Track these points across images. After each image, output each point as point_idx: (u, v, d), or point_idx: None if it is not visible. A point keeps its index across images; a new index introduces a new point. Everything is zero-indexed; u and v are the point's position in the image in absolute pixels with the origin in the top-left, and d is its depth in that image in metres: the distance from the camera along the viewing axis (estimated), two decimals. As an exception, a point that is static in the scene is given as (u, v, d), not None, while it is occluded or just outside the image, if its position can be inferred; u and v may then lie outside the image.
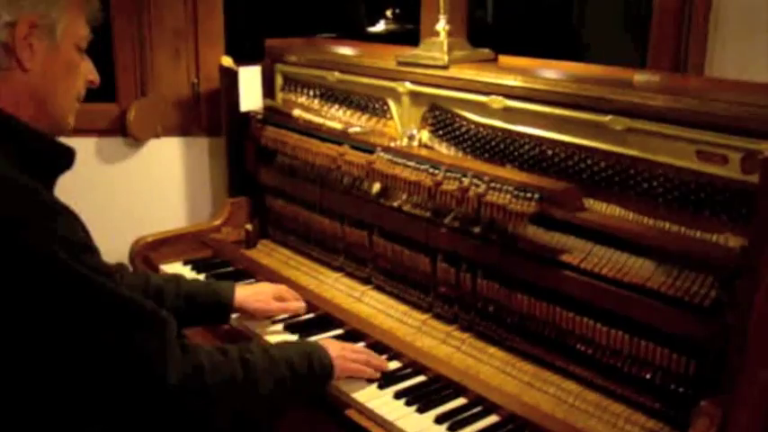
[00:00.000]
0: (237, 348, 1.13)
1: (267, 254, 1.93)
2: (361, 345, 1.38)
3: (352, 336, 1.46)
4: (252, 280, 1.73)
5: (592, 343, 1.26)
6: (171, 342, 1.02)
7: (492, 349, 1.41)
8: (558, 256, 1.29)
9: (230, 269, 1.81)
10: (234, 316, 1.51)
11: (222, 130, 2.02)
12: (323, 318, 1.54)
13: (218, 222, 1.98)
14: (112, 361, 0.96)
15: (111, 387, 0.97)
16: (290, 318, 1.54)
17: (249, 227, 1.99)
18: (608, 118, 1.26)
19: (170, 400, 1.00)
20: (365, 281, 1.69)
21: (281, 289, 1.55)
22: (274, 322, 1.52)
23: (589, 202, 1.29)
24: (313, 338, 1.35)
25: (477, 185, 1.35)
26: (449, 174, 1.41)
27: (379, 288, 1.66)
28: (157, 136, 2.14)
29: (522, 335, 1.38)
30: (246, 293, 1.48)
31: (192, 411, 1.01)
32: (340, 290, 1.70)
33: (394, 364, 1.38)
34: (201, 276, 1.77)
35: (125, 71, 2.06)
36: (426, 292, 1.56)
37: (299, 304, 1.55)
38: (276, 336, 1.47)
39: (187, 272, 1.80)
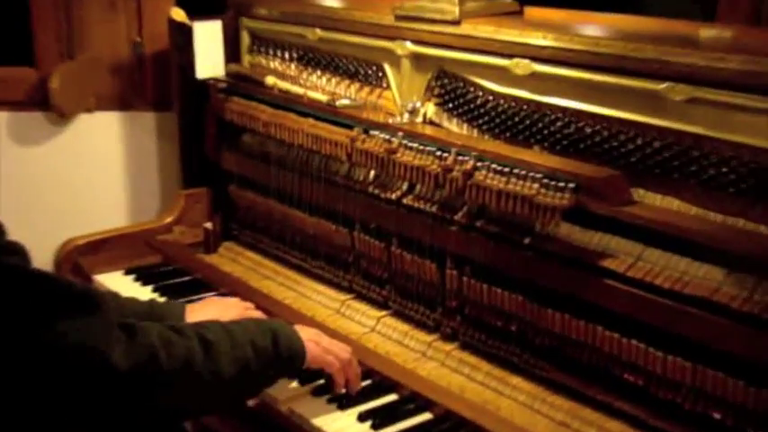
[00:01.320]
0: (192, 325, 1.18)
1: (232, 259, 1.93)
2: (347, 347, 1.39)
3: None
4: (212, 294, 1.73)
5: (643, 372, 1.25)
6: (111, 324, 1.05)
7: (516, 379, 1.41)
8: (599, 262, 1.28)
9: (185, 279, 1.81)
10: None
11: (173, 104, 2.02)
12: None
13: (169, 220, 1.98)
14: (48, 352, 0.99)
15: (56, 381, 1.00)
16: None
17: (209, 225, 1.99)
18: (664, 86, 1.25)
19: (123, 389, 1.04)
20: (355, 293, 1.71)
21: (245, 311, 1.54)
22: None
23: (639, 193, 1.29)
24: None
25: (497, 173, 1.35)
26: (460, 157, 1.41)
27: (373, 302, 1.67)
28: (89, 110, 2.12)
29: (554, 361, 1.37)
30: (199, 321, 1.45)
31: (148, 399, 1.06)
32: (324, 305, 1.71)
33: (391, 397, 1.38)
34: (147, 290, 1.76)
35: (45, 27, 2.00)
36: (432, 306, 1.56)
37: None
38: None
39: (129, 284, 1.80)
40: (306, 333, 1.31)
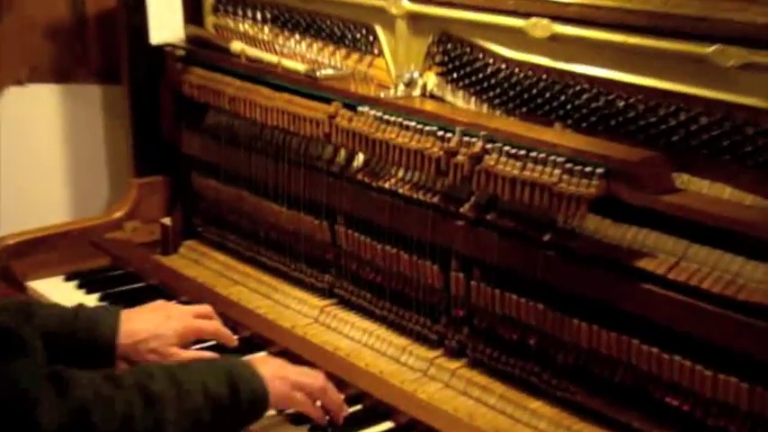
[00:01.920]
0: (133, 373, 1.18)
1: (195, 261, 1.94)
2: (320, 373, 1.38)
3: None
4: (172, 302, 1.70)
5: (688, 394, 1.24)
6: (36, 373, 1.06)
7: (535, 403, 1.40)
8: (634, 263, 1.27)
9: (138, 286, 1.82)
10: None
11: (122, 75, 2.01)
12: (277, 357, 1.52)
13: (118, 215, 1.98)
14: None
15: None
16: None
17: (167, 221, 2.00)
18: (713, 49, 1.24)
19: None
20: (344, 301, 1.71)
21: (198, 318, 1.52)
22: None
23: (682, 179, 1.28)
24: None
25: (510, 156, 1.35)
26: (467, 138, 1.41)
27: (365, 311, 1.67)
28: (20, 83, 2.13)
29: (581, 382, 1.37)
30: (139, 336, 1.43)
31: None
32: (305, 314, 1.71)
33: (386, 425, 1.38)
34: (93, 299, 1.75)
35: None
36: (435, 316, 1.56)
37: (231, 338, 1.55)
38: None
39: (70, 292, 1.79)
40: (268, 368, 1.29)
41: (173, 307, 1.55)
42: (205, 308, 1.55)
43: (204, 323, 1.52)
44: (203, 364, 1.26)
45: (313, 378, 1.35)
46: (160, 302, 1.57)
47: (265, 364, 1.31)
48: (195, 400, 1.18)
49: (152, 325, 1.44)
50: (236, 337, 1.56)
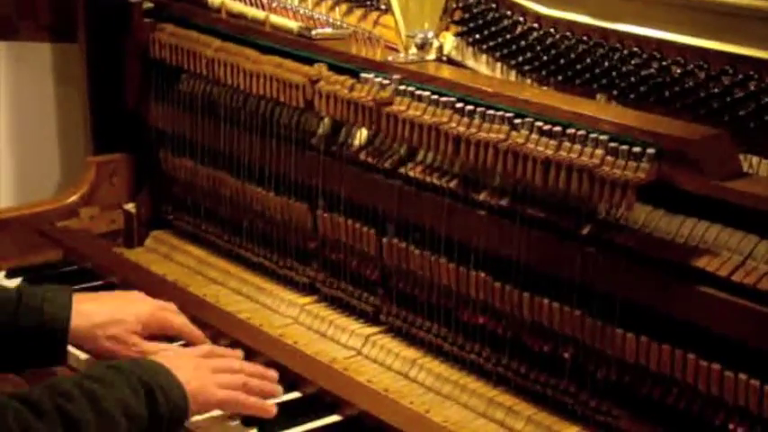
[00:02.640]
0: (49, 394, 1.21)
1: (165, 256, 1.95)
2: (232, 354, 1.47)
3: (318, 402, 1.47)
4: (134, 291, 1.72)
5: (756, 420, 1.24)
6: None
7: (571, 429, 1.41)
8: (691, 262, 1.27)
9: (96, 284, 1.82)
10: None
11: (77, 31, 2.02)
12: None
13: (72, 199, 1.98)
14: None
15: None
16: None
17: (131, 207, 2.00)
18: None
19: None
20: (341, 305, 1.71)
21: (166, 309, 1.56)
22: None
23: (750, 162, 1.28)
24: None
25: (543, 133, 1.34)
26: (491, 111, 1.40)
27: (366, 317, 1.68)
28: None
29: (626, 404, 1.36)
30: (95, 318, 1.47)
31: None
32: (297, 320, 1.72)
33: None
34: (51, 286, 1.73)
35: None
36: (449, 324, 1.56)
37: (200, 337, 1.58)
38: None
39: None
40: (184, 369, 1.35)
41: (134, 293, 1.59)
42: (170, 304, 1.59)
43: (172, 315, 1.56)
44: (119, 376, 1.29)
45: (232, 367, 1.42)
46: (118, 291, 1.62)
47: (181, 361, 1.37)
48: (115, 421, 1.24)
49: (111, 308, 1.48)
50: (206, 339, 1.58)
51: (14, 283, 1.80)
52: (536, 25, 1.47)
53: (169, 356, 1.40)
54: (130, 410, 1.26)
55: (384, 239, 1.59)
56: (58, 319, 1.44)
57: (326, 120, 1.67)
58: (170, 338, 1.56)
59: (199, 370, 1.38)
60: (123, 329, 1.48)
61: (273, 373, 1.46)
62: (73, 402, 1.22)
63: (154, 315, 1.53)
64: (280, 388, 1.45)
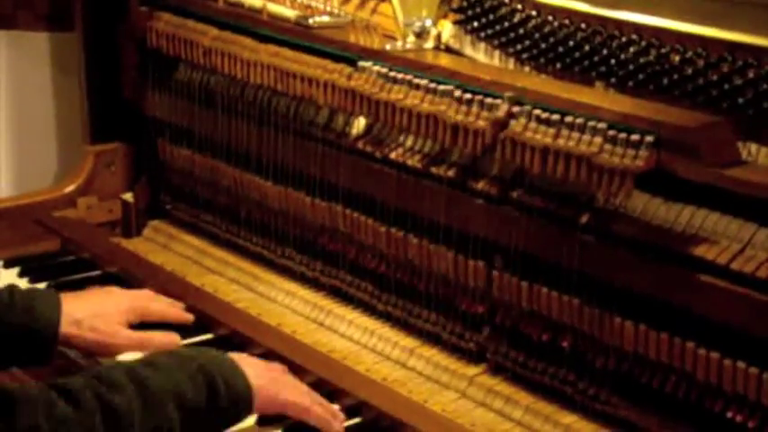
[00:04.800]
0: (92, 386, 1.18)
1: (163, 246, 1.95)
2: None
3: (317, 391, 1.45)
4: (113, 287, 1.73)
5: (755, 408, 1.24)
6: None
7: (569, 418, 1.41)
8: (689, 250, 1.27)
9: (93, 275, 1.82)
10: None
11: (74, 20, 2.02)
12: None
13: (70, 189, 1.98)
14: None
15: None
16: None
17: (129, 197, 1.99)
18: None
19: None
20: (340, 294, 1.71)
21: (141, 298, 1.59)
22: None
23: (749, 149, 1.28)
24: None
25: (541, 121, 1.34)
26: (489, 99, 1.40)
27: (365, 307, 1.68)
28: None
29: (624, 393, 1.37)
30: (77, 314, 1.49)
31: None
32: (293, 309, 1.72)
33: None
34: (40, 288, 1.74)
35: None
36: (449, 313, 1.56)
37: (183, 316, 1.61)
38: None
39: (11, 279, 1.79)
40: (254, 366, 1.33)
41: (112, 288, 1.63)
42: (146, 292, 1.62)
43: (149, 303, 1.58)
44: (176, 363, 1.26)
45: (300, 386, 1.37)
46: (97, 288, 1.64)
47: (251, 362, 1.34)
48: (166, 413, 1.20)
49: (92, 303, 1.51)
50: (191, 316, 1.61)
51: (12, 273, 1.81)
52: (534, 13, 1.47)
53: (241, 355, 1.37)
54: (185, 399, 1.22)
55: (382, 228, 1.59)
56: (49, 319, 1.45)
57: (325, 109, 1.66)
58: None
59: (270, 371, 1.35)
60: (104, 321, 1.50)
61: (341, 416, 1.39)
62: (118, 391, 1.18)
63: (132, 306, 1.55)
64: (342, 424, 1.38)
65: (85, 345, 1.49)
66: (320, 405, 1.37)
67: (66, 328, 1.46)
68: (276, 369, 1.39)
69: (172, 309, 1.61)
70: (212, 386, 1.24)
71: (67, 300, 1.50)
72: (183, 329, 1.61)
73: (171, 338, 1.55)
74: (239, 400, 1.27)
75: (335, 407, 1.40)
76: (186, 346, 1.57)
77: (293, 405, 1.34)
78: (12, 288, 1.48)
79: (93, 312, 1.50)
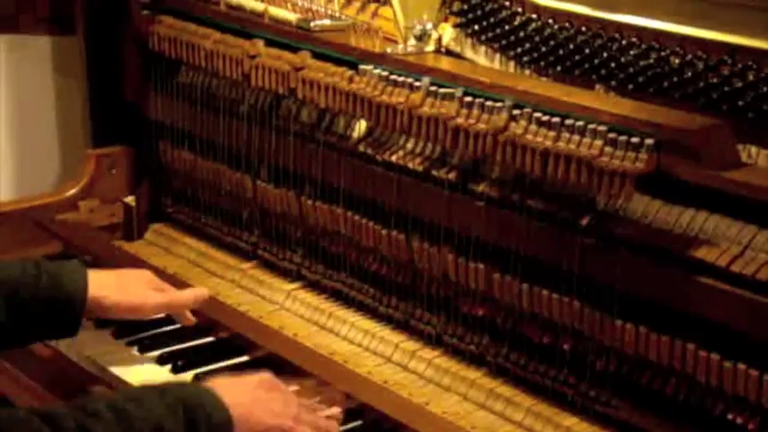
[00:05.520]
0: (73, 414, 1.20)
1: (165, 249, 1.95)
2: (294, 387, 1.41)
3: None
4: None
5: (755, 410, 1.24)
6: None
7: (570, 420, 1.41)
8: (689, 253, 1.27)
9: None
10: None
11: (76, 23, 2.03)
12: (262, 363, 1.54)
13: (72, 192, 1.98)
14: None
15: None
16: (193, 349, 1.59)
17: (131, 200, 2.00)
18: None
19: None
20: (341, 297, 1.72)
21: (154, 276, 1.62)
22: (144, 355, 1.59)
23: (749, 152, 1.28)
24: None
25: (542, 124, 1.34)
26: (490, 102, 1.40)
27: (367, 309, 1.68)
28: None
29: (625, 395, 1.37)
30: (105, 280, 1.53)
31: None
32: (295, 312, 1.72)
33: None
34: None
35: None
36: (449, 315, 1.56)
37: (197, 293, 1.62)
38: (144, 374, 1.53)
39: None
40: (234, 394, 1.30)
41: (132, 272, 1.63)
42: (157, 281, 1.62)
43: (164, 285, 1.59)
44: (156, 396, 1.26)
45: (286, 398, 1.35)
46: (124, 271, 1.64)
47: (231, 388, 1.32)
48: None
49: (116, 274, 1.56)
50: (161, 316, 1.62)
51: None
52: (534, 16, 1.47)
53: (227, 381, 1.36)
54: (162, 430, 1.22)
55: (383, 231, 1.59)
56: (77, 285, 1.47)
57: (326, 112, 1.66)
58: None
59: (254, 393, 1.34)
60: (132, 284, 1.54)
61: (338, 413, 1.40)
62: (100, 421, 1.18)
63: (153, 280, 1.58)
64: (337, 427, 1.38)
65: (116, 307, 1.52)
66: (307, 424, 1.34)
67: (95, 291, 1.48)
68: (261, 389, 1.36)
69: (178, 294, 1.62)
70: (192, 419, 1.24)
71: (93, 271, 1.53)
72: (187, 333, 1.61)
73: (198, 292, 1.59)
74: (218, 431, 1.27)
75: (335, 410, 1.39)
76: (190, 348, 1.58)
77: (275, 430, 1.32)
78: (37, 260, 1.51)
79: (117, 279, 1.54)
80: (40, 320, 1.45)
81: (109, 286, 1.51)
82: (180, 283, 1.76)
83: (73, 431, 1.16)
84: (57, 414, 1.18)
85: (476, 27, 1.55)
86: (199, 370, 1.52)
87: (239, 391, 1.33)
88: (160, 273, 1.80)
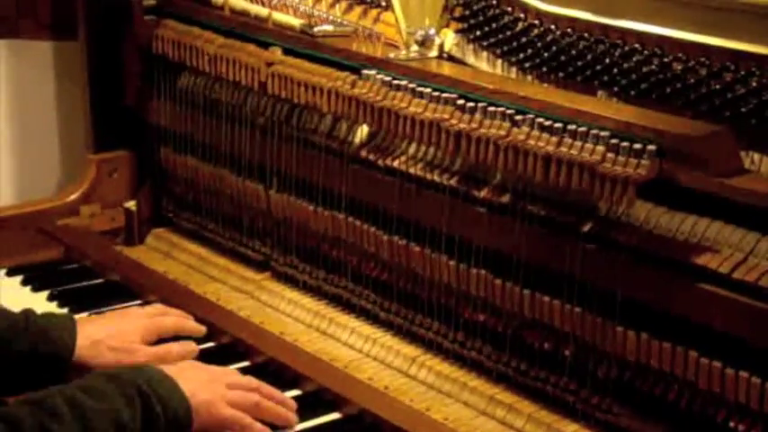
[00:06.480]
0: (34, 414, 1.20)
1: (166, 254, 1.95)
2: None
3: (319, 400, 1.47)
4: (137, 302, 1.74)
5: (757, 417, 1.24)
6: None
7: (572, 426, 1.41)
8: (691, 259, 1.27)
9: (96, 283, 1.83)
10: None
11: (78, 28, 2.01)
12: (262, 368, 1.55)
13: (73, 197, 1.98)
14: None
15: None
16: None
17: (132, 205, 1.99)
18: None
19: None
20: (343, 303, 1.72)
21: (155, 315, 1.60)
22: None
23: (752, 158, 1.28)
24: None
25: (544, 129, 1.35)
26: (492, 108, 1.40)
27: (368, 315, 1.68)
28: None
29: (627, 402, 1.37)
30: (94, 336, 1.49)
31: None
32: (296, 318, 1.72)
33: None
34: (40, 297, 1.77)
35: None
36: (451, 321, 1.56)
37: (196, 328, 1.62)
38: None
39: (14, 288, 1.81)
40: (193, 381, 1.33)
41: (128, 310, 1.63)
42: (157, 307, 1.62)
43: (163, 319, 1.58)
44: (115, 386, 1.27)
45: (245, 385, 1.38)
46: (111, 312, 1.65)
47: (190, 374, 1.34)
48: None
49: (108, 325, 1.52)
50: (204, 328, 1.62)
51: (15, 281, 1.82)
52: (537, 22, 1.47)
53: (182, 367, 1.38)
54: (122, 423, 1.23)
55: (385, 237, 1.59)
56: (64, 342, 1.45)
57: (328, 117, 1.67)
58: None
59: (212, 383, 1.35)
60: (121, 340, 1.50)
61: (292, 402, 1.41)
62: (58, 420, 1.19)
63: (147, 325, 1.55)
64: (295, 417, 1.40)
65: (105, 365, 1.48)
66: (266, 406, 1.37)
67: (82, 350, 1.46)
68: (219, 379, 1.37)
69: (186, 322, 1.61)
70: (148, 407, 1.25)
71: (83, 323, 1.51)
72: (188, 339, 1.60)
73: (189, 348, 1.55)
74: (175, 420, 1.28)
75: (291, 402, 1.41)
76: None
77: (232, 421, 1.34)
78: (27, 312, 1.49)
79: (109, 333, 1.50)
80: (25, 376, 1.44)
81: (99, 344, 1.48)
82: (181, 290, 1.78)
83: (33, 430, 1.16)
84: (16, 416, 1.18)
85: (478, 32, 1.55)
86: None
87: (200, 379, 1.35)
88: (161, 278, 1.82)
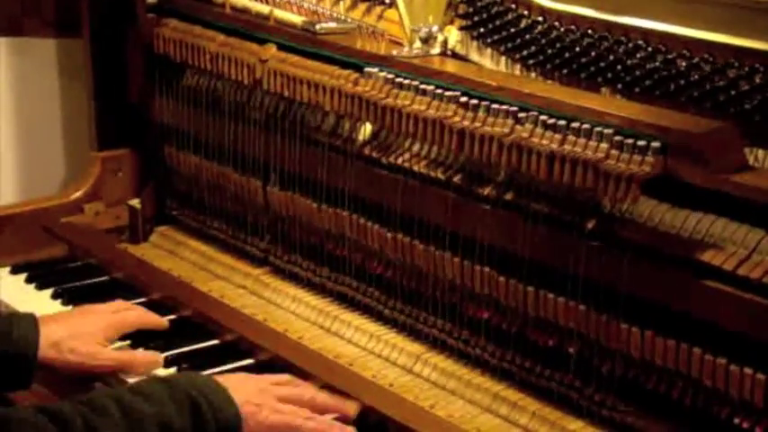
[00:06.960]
0: (80, 411, 1.19)
1: (170, 251, 1.95)
2: (307, 386, 1.43)
3: None
4: (141, 299, 1.74)
5: (763, 415, 1.24)
6: None
7: (576, 424, 1.41)
8: (696, 256, 1.27)
9: (100, 280, 1.84)
10: None
11: (81, 26, 2.01)
12: (266, 366, 1.55)
13: (77, 195, 1.99)
14: None
15: None
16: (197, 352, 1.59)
17: (136, 203, 2.00)
18: None
19: None
20: (347, 300, 1.72)
21: (117, 312, 1.59)
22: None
23: (756, 155, 1.28)
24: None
25: (548, 127, 1.35)
26: (496, 105, 1.40)
27: (372, 312, 1.68)
28: None
29: (631, 399, 1.37)
30: (55, 336, 1.48)
31: None
32: (300, 315, 1.72)
33: None
34: (44, 295, 1.77)
35: None
36: (455, 319, 1.56)
37: (159, 322, 1.62)
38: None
39: (17, 286, 1.81)
40: (243, 390, 1.32)
41: (89, 307, 1.62)
42: (119, 303, 1.62)
43: (126, 314, 1.59)
44: (164, 390, 1.27)
45: (293, 394, 1.37)
46: (74, 309, 1.65)
47: (240, 383, 1.33)
48: None
49: (70, 324, 1.51)
50: (166, 319, 1.63)
51: (19, 279, 1.82)
52: (540, 19, 1.47)
53: (235, 377, 1.37)
54: (170, 427, 1.23)
55: (389, 234, 1.59)
56: (28, 343, 1.45)
57: (331, 115, 1.67)
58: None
59: (262, 393, 1.35)
60: (83, 342, 1.49)
61: (350, 407, 1.40)
62: (106, 417, 1.19)
63: (109, 323, 1.55)
64: (352, 429, 1.38)
65: (67, 367, 1.49)
66: (314, 420, 1.35)
67: (45, 351, 1.46)
68: (269, 389, 1.37)
69: (148, 316, 1.61)
70: (199, 415, 1.25)
71: (45, 322, 1.50)
72: (193, 335, 1.62)
73: (152, 358, 1.54)
74: (225, 428, 1.27)
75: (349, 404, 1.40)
76: (195, 351, 1.58)
77: (277, 428, 1.33)
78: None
79: (70, 334, 1.49)
80: None
81: (60, 345, 1.47)
82: (184, 287, 1.78)
83: (78, 429, 1.16)
84: (64, 412, 1.18)
85: (482, 29, 1.55)
86: (203, 373, 1.52)
87: (248, 388, 1.33)
88: (165, 276, 1.82)
